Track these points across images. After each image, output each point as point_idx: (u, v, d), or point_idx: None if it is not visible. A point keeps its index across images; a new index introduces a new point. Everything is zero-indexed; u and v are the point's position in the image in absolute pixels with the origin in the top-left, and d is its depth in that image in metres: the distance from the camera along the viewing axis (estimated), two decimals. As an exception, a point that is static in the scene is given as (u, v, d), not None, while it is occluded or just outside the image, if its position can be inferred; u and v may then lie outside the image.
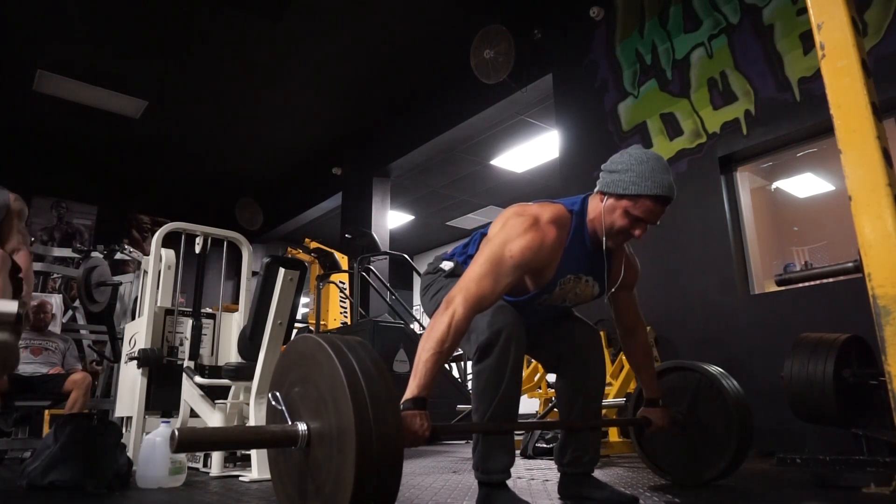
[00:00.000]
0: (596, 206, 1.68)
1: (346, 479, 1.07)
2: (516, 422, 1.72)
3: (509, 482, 1.66)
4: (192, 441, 1.15)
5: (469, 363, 1.74)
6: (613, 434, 3.67)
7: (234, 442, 1.27)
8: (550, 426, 2.49)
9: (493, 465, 1.62)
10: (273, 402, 1.31)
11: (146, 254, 3.92)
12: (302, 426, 1.21)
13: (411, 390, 1.40)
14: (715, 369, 2.15)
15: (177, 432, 1.11)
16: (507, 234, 1.58)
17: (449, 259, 1.86)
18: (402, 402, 1.37)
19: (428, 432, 1.36)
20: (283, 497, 1.34)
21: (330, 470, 1.14)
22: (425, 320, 10.91)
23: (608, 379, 3.88)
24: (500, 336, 1.60)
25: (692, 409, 2.11)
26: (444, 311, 1.47)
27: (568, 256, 1.67)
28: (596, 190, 1.69)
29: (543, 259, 1.61)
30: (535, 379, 4.36)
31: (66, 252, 6.18)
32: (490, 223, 1.75)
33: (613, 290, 1.80)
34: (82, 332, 5.76)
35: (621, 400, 3.54)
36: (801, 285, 3.14)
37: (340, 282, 7.27)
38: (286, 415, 1.26)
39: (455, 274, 1.77)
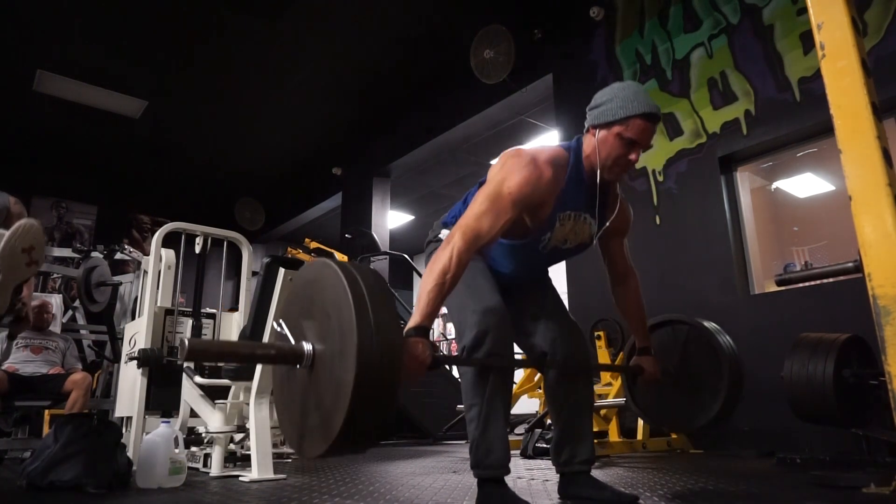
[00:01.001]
0: (589, 141, 1.71)
1: (345, 391, 1.11)
2: (508, 408, 1.72)
3: (509, 481, 1.66)
4: (201, 350, 1.20)
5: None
6: (613, 434, 3.68)
7: (242, 356, 1.32)
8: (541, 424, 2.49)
9: (490, 461, 1.62)
10: (278, 329, 1.36)
11: (146, 254, 3.92)
12: (307, 346, 1.26)
13: (415, 319, 1.44)
14: (708, 323, 2.17)
15: (186, 341, 1.15)
16: (505, 173, 1.61)
17: (447, 224, 1.87)
18: (405, 329, 1.41)
19: (429, 359, 1.41)
20: (286, 422, 1.38)
21: (331, 385, 1.18)
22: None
23: (608, 379, 3.89)
24: (485, 337, 1.62)
25: (684, 360, 2.13)
26: (445, 246, 1.51)
27: (566, 193, 1.70)
28: (586, 127, 1.72)
29: (541, 195, 1.64)
30: (535, 379, 4.35)
31: (66, 252, 6.18)
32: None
33: (607, 228, 1.82)
34: (82, 332, 5.76)
35: (621, 400, 3.54)
36: (801, 285, 3.14)
37: (340, 282, 7.26)
38: (291, 340, 1.31)
39: None
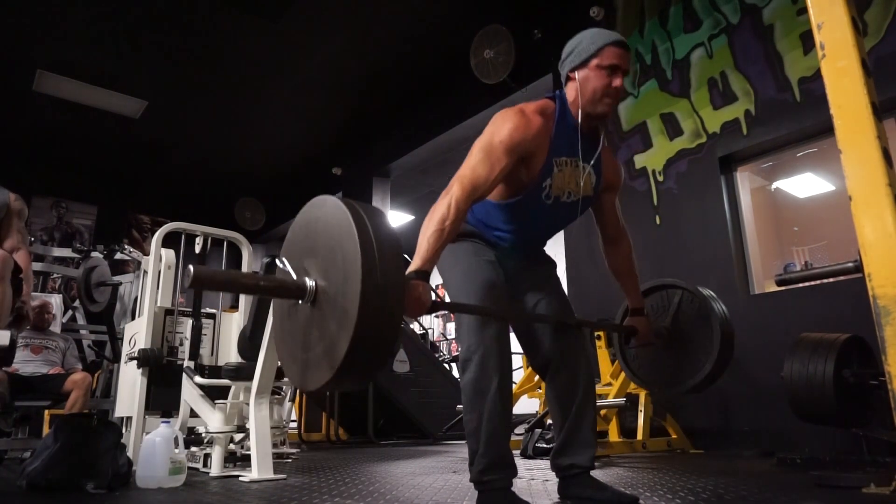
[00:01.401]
0: (571, 87, 1.76)
1: (350, 317, 1.14)
2: (511, 421, 1.72)
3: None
4: (206, 277, 1.22)
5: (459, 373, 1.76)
6: (613, 434, 3.67)
7: (246, 286, 1.36)
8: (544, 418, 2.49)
9: (493, 483, 1.62)
10: (280, 266, 1.39)
11: (146, 254, 3.92)
12: (310, 281, 1.29)
13: (415, 263, 1.50)
14: (704, 290, 2.18)
15: (191, 268, 1.17)
16: (495, 127, 1.68)
17: None
18: (406, 272, 1.46)
19: (429, 300, 1.49)
20: (287, 359, 1.40)
21: (335, 314, 1.21)
22: (426, 319, 10.78)
23: (608, 379, 3.89)
24: (478, 351, 1.62)
25: (676, 323, 2.15)
26: (444, 196, 1.58)
27: (557, 138, 1.74)
28: (564, 78, 1.78)
29: (532, 141, 1.68)
30: (536, 379, 4.36)
31: (66, 252, 6.18)
32: None
33: (601, 183, 1.84)
34: (82, 332, 5.76)
35: (621, 400, 3.54)
36: (801, 285, 3.14)
37: (340, 282, 7.26)
38: (293, 276, 1.34)
39: (465, 233, 1.79)
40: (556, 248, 2.14)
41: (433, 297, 1.50)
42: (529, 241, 1.88)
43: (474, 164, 1.63)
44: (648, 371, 2.25)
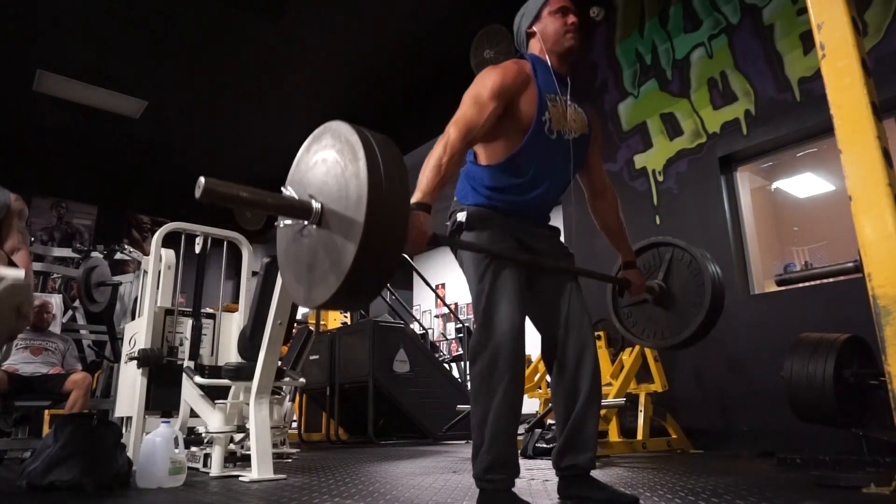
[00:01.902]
0: (535, 42, 1.91)
1: (356, 231, 1.18)
2: (517, 421, 1.72)
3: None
4: (216, 190, 1.26)
5: (468, 363, 1.76)
6: (613, 434, 3.67)
7: (254, 202, 1.36)
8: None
9: (495, 484, 1.62)
10: (286, 193, 1.43)
11: (146, 254, 3.92)
12: (316, 203, 1.33)
13: (416, 196, 1.58)
14: (697, 249, 2.21)
15: (202, 179, 1.22)
16: (477, 81, 1.79)
17: (459, 202, 1.90)
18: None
19: (430, 230, 1.55)
20: (292, 282, 1.43)
21: (341, 230, 1.24)
22: (426, 319, 10.76)
23: (608, 379, 3.89)
24: (489, 344, 1.63)
25: (667, 279, 2.20)
26: (440, 139, 1.67)
27: (539, 78, 1.83)
28: (525, 39, 1.94)
29: (514, 81, 1.77)
30: (536, 379, 4.36)
31: (66, 252, 6.19)
32: None
33: (584, 134, 1.90)
34: (82, 332, 5.76)
35: (621, 400, 3.54)
36: (801, 285, 3.14)
37: (340, 282, 7.26)
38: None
39: (472, 225, 1.82)
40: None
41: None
42: (543, 194, 1.88)
43: (465, 110, 1.73)
44: (642, 328, 2.30)
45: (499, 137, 1.80)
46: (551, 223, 2.00)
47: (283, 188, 1.45)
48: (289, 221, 1.44)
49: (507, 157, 1.81)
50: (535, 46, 1.91)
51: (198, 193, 1.20)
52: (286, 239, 1.47)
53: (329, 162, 1.33)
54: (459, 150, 1.67)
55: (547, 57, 1.87)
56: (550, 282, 1.87)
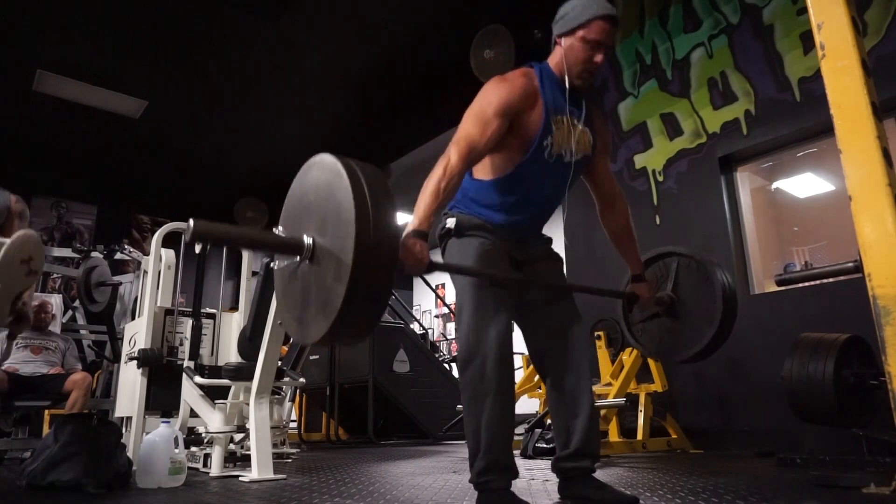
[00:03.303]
0: (556, 52, 1.81)
1: (345, 268, 1.17)
2: (512, 425, 1.72)
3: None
4: (206, 232, 1.24)
5: (457, 372, 1.75)
6: (613, 434, 3.67)
7: (246, 241, 1.40)
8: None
9: (491, 484, 1.62)
10: (276, 232, 1.43)
11: (146, 254, 3.92)
12: (307, 238, 1.32)
13: (413, 223, 1.53)
14: (705, 256, 2.16)
15: (191, 222, 1.20)
16: (481, 96, 1.73)
17: (449, 211, 1.87)
18: (404, 232, 1.50)
19: (427, 258, 1.51)
20: (289, 320, 1.44)
21: (331, 266, 1.23)
22: (426, 319, 10.76)
23: (608, 379, 3.89)
24: (479, 351, 1.62)
25: (677, 289, 2.14)
26: (441, 160, 1.62)
27: (546, 95, 1.77)
28: (553, 41, 1.82)
29: (519, 99, 1.72)
30: (535, 379, 4.36)
31: (66, 252, 6.18)
32: None
33: (593, 145, 1.86)
34: (82, 332, 5.76)
35: (621, 400, 3.54)
36: (801, 285, 3.14)
37: (340, 282, 7.25)
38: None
39: (460, 231, 1.80)
40: (553, 231, 2.12)
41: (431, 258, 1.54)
42: (535, 214, 1.87)
43: (467, 129, 1.67)
44: (656, 342, 2.23)
45: (496, 153, 1.77)
46: (552, 221, 2.00)
47: (275, 228, 1.45)
48: (284, 262, 1.44)
49: (501, 175, 1.78)
50: (555, 57, 1.81)
51: (186, 237, 1.19)
52: (283, 280, 1.47)
53: (318, 197, 1.33)
54: (459, 173, 1.62)
55: (562, 74, 1.78)
56: (541, 298, 1.86)
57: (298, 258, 1.34)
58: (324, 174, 1.32)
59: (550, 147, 1.75)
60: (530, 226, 1.88)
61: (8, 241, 1.95)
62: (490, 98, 1.70)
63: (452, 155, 1.62)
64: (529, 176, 1.77)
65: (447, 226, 1.85)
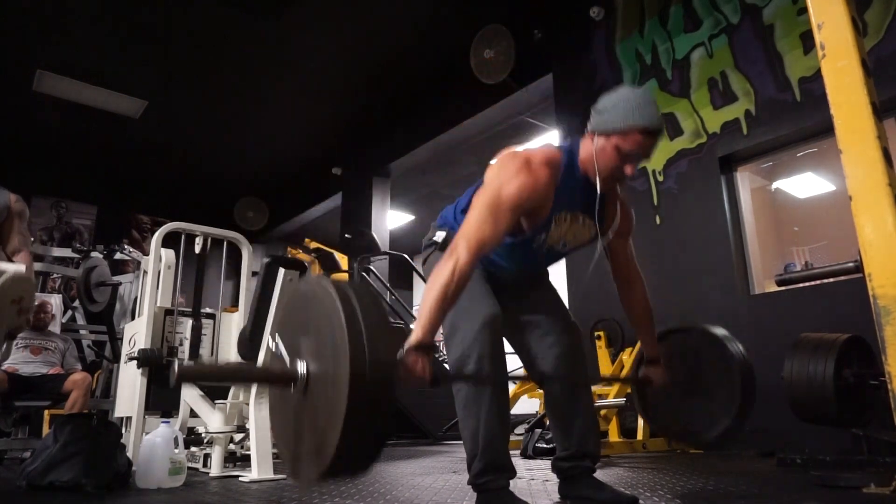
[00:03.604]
0: (587, 146, 1.67)
1: (339, 412, 1.09)
2: (508, 426, 1.72)
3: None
4: (192, 373, 1.17)
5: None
6: (613, 434, 3.67)
7: (235, 377, 1.28)
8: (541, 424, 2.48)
9: (489, 484, 1.61)
10: (272, 345, 1.33)
11: (146, 254, 3.91)
12: (301, 367, 1.21)
13: (416, 335, 1.40)
14: (720, 330, 2.07)
15: (175, 366, 1.12)
16: (501, 178, 1.60)
17: (441, 226, 1.85)
18: (405, 345, 1.39)
19: (430, 376, 1.38)
20: (281, 445, 1.34)
21: (325, 406, 1.15)
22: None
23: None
24: (472, 356, 1.61)
25: (694, 369, 2.05)
26: (448, 258, 1.49)
27: (562, 193, 1.67)
28: (587, 131, 1.67)
29: (538, 199, 1.63)
30: (535, 379, 4.35)
31: (65, 252, 6.18)
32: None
33: (609, 235, 1.80)
34: (82, 332, 5.75)
35: (621, 400, 3.54)
36: (801, 285, 3.14)
37: (340, 282, 7.26)
38: (286, 357, 1.27)
39: (447, 247, 1.74)
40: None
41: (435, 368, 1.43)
42: (523, 270, 1.87)
43: (480, 223, 1.53)
44: (670, 421, 2.15)
45: None
46: None
47: (269, 338, 1.36)
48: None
49: None
50: (585, 150, 1.67)
51: (173, 379, 1.15)
52: (275, 392, 1.39)
53: (313, 319, 1.24)
54: (469, 274, 1.50)
55: (583, 170, 1.68)
56: (533, 312, 1.86)
57: (292, 388, 1.24)
58: (319, 302, 1.22)
59: (543, 241, 1.73)
60: (517, 275, 1.86)
61: None
62: (509, 189, 1.57)
63: (462, 254, 1.48)
64: (515, 253, 1.75)
65: (435, 238, 1.84)
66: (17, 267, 2.04)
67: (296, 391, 1.22)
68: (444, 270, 1.46)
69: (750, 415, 2.01)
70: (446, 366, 1.55)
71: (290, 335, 1.31)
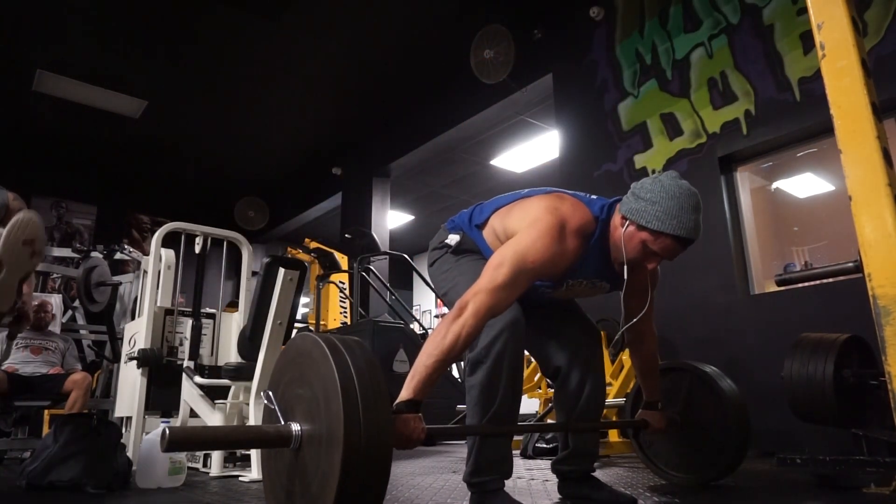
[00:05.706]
0: (617, 225, 1.63)
1: (332, 480, 1.07)
2: (515, 426, 1.72)
3: (509, 482, 1.66)
4: (183, 440, 1.14)
5: (466, 372, 1.72)
6: (613, 434, 3.67)
7: (227, 441, 1.24)
8: (547, 429, 2.48)
9: (485, 486, 1.61)
10: (266, 402, 1.30)
11: (146, 254, 3.92)
12: (296, 427, 1.19)
13: (408, 392, 1.35)
14: (710, 369, 2.15)
15: (167, 431, 1.08)
16: (532, 237, 1.52)
17: (454, 230, 1.82)
18: (396, 402, 1.33)
19: (422, 435, 1.33)
20: (271, 498, 1.32)
21: (317, 471, 1.13)
22: (426, 319, 10.80)
23: (608, 379, 3.88)
24: (490, 350, 1.58)
25: (689, 409, 2.11)
26: (456, 318, 1.40)
27: (585, 263, 1.65)
28: (621, 212, 1.63)
29: (561, 267, 1.60)
30: (536, 379, 4.35)
31: (65, 252, 6.18)
32: (501, 196, 1.77)
33: (630, 302, 1.77)
34: (82, 332, 5.76)
35: (621, 400, 3.53)
36: (801, 285, 3.14)
37: (340, 282, 7.27)
38: (279, 415, 1.25)
39: (462, 249, 1.75)
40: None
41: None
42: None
43: (497, 288, 1.44)
44: (663, 458, 2.21)
45: None
46: None
47: (263, 394, 1.32)
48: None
49: None
50: (616, 230, 1.63)
51: (163, 446, 1.08)
52: (267, 453, 1.36)
53: (306, 380, 1.21)
54: (475, 337, 1.45)
55: (612, 253, 1.66)
56: (550, 313, 1.87)
57: (286, 448, 1.21)
58: (313, 362, 1.19)
59: (551, 294, 1.74)
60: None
61: (9, 223, 1.95)
62: (535, 255, 1.50)
63: (470, 320, 1.40)
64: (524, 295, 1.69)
65: (447, 241, 1.79)
66: (25, 211, 2.04)
67: (289, 451, 1.20)
68: (450, 333, 1.38)
69: (746, 453, 2.07)
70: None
71: (283, 392, 1.28)
